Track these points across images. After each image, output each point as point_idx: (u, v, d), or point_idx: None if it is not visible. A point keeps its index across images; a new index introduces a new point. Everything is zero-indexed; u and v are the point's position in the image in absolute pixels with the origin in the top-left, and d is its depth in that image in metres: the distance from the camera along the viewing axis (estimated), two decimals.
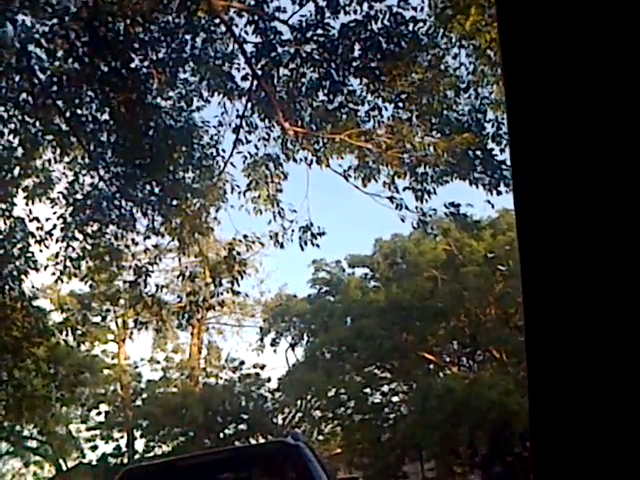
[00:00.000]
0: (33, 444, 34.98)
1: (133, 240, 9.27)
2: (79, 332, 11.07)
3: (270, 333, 38.36)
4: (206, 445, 34.52)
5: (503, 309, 34.82)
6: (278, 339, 38.40)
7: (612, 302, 1.22)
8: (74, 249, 9.04)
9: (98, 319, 38.86)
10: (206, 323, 39.94)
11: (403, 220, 9.09)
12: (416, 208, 8.97)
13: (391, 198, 9.00)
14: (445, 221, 9.90)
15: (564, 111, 1.41)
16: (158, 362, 39.39)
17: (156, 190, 8.77)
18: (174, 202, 8.70)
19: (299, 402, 38.67)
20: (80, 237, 9.01)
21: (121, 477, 7.17)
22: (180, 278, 9.69)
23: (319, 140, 9.25)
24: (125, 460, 36.09)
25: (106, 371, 38.10)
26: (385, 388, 39.83)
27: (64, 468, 35.05)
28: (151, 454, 36.38)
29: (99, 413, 36.88)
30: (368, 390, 38.62)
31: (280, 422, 39.26)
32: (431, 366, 37.69)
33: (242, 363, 38.98)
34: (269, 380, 38.83)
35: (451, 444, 31.76)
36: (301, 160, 9.28)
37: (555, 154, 1.41)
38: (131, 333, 39.45)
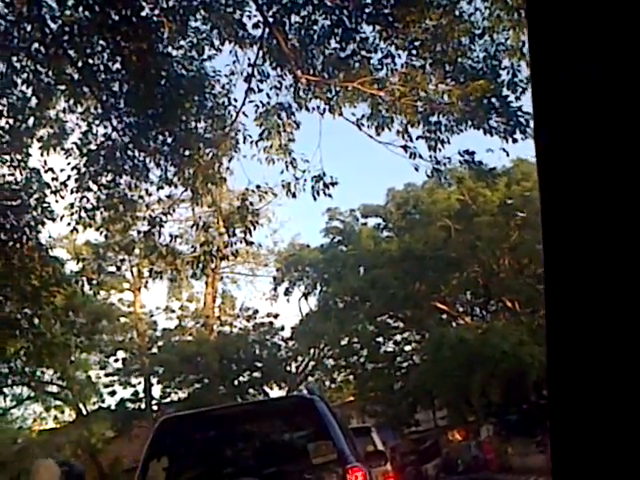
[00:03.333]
0: (54, 389, 35.61)
1: (147, 190, 9.31)
2: (95, 281, 11.17)
3: (283, 282, 38.62)
4: (221, 392, 35.05)
5: (517, 259, 34.80)
6: (291, 288, 38.69)
7: (634, 252, 1.23)
8: (88, 200, 9.08)
9: (114, 269, 39.25)
10: (220, 273, 40.18)
11: (417, 169, 9.03)
12: (430, 157, 8.91)
13: (405, 147, 8.92)
14: (460, 170, 9.78)
15: (588, 61, 1.39)
16: (173, 311, 39.86)
17: (169, 140, 8.75)
18: (187, 152, 8.68)
19: (312, 351, 39.11)
20: (94, 188, 9.06)
21: (161, 424, 7.84)
22: (194, 228, 9.72)
23: (331, 88, 9.14)
24: (142, 405, 36.82)
25: (123, 319, 38.59)
26: (398, 337, 40.17)
27: (84, 412, 35.84)
28: (167, 400, 37.07)
29: (117, 360, 37.50)
30: (381, 339, 38.98)
31: (293, 370, 39.73)
32: (444, 316, 37.89)
33: (256, 312, 39.34)
34: (282, 329, 39.25)
35: (463, 393, 32.09)
36: (313, 109, 9.20)
37: (578, 103, 1.39)
38: (146, 282, 39.93)
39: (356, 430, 13.09)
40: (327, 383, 39.29)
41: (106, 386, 36.90)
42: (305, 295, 39.48)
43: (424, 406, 39.75)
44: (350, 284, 35.31)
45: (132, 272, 39.35)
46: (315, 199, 8.91)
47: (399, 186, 38.47)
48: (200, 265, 9.11)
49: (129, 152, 8.87)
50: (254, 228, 9.11)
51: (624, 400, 1.16)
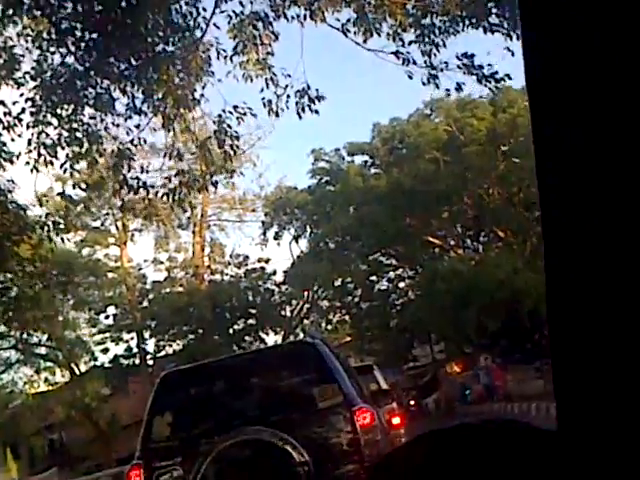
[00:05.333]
0: (42, 350, 35.21)
1: (113, 122, 8.40)
2: (61, 225, 10.22)
3: (272, 227, 38.08)
4: (216, 341, 34.69)
5: (506, 188, 34.31)
6: (281, 232, 38.18)
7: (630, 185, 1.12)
8: (48, 135, 8.18)
9: (98, 223, 38.57)
10: (207, 221, 39.50)
11: (411, 77, 8.11)
12: (425, 62, 7.99)
13: (396, 53, 8.01)
14: (458, 75, 8.72)
15: None
16: (161, 262, 39.25)
17: (133, 63, 7.82)
18: (154, 75, 7.76)
19: (306, 293, 38.72)
20: (54, 122, 8.14)
21: (162, 379, 7.73)
22: (167, 158, 8.80)
23: None
24: (137, 361, 36.50)
25: (110, 274, 37.99)
26: (391, 274, 39.94)
27: (78, 372, 35.45)
28: (162, 353, 36.77)
29: (107, 316, 37.03)
30: (374, 277, 38.70)
31: (288, 314, 39.43)
32: (436, 250, 37.53)
33: (246, 258, 38.79)
34: (274, 273, 38.78)
35: (459, 325, 31.88)
36: (293, 18, 8.24)
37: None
38: (132, 235, 39.33)
39: (358, 369, 12.71)
40: (323, 325, 39.03)
41: (98, 344, 36.55)
42: (295, 238, 38.98)
43: (421, 341, 39.79)
44: (340, 224, 34.76)
45: (117, 226, 38.67)
46: (300, 117, 8.03)
47: (384, 121, 37.64)
48: (176, 197, 8.26)
49: (90, 80, 7.93)
50: (234, 154, 8.25)
51: (626, 324, 1.09)
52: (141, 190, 8.24)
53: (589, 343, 1.12)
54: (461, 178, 33.02)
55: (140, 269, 39.41)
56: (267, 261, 38.64)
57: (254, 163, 37.20)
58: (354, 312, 38.33)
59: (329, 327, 39.55)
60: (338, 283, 37.29)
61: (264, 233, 37.96)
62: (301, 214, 37.93)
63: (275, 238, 38.00)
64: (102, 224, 39.21)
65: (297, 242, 39.18)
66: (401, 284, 40.07)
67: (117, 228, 38.93)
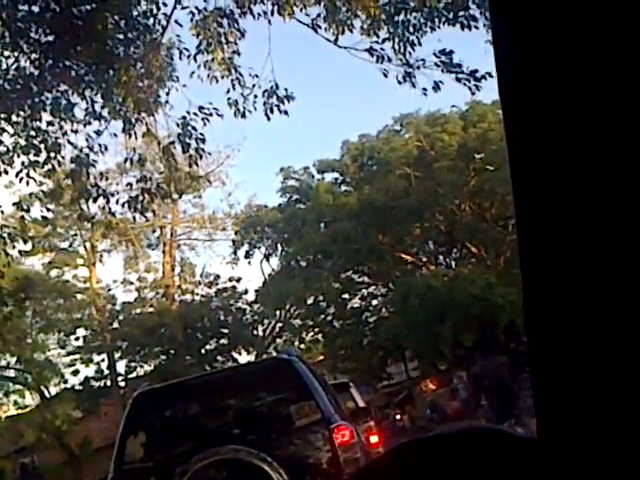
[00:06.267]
0: (11, 373, 34.46)
1: (72, 129, 7.95)
2: (21, 239, 9.68)
3: (243, 245, 37.63)
4: (188, 362, 34.10)
5: (478, 203, 34.31)
6: (252, 251, 37.73)
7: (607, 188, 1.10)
8: (2, 142, 7.73)
9: (66, 244, 37.95)
10: (177, 240, 39.00)
11: (386, 75, 7.76)
12: (401, 60, 7.62)
13: (370, 50, 7.65)
14: (435, 73, 8.30)
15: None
16: (131, 283, 38.59)
17: (91, 68, 7.39)
18: (114, 78, 7.33)
19: (278, 312, 38.24)
20: (9, 129, 7.69)
21: (135, 398, 7.54)
22: (128, 163, 8.32)
23: None
24: (108, 382, 35.78)
25: (80, 296, 37.26)
26: (364, 292, 39.56)
27: (48, 395, 34.66)
28: (133, 375, 36.11)
29: (77, 338, 36.36)
30: (347, 295, 38.27)
31: (260, 334, 38.91)
32: (409, 266, 37.30)
33: (217, 277, 38.33)
34: (246, 292, 38.34)
35: (434, 342, 31.61)
36: (259, 15, 7.87)
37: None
38: (101, 256, 38.58)
39: (334, 386, 12.28)
40: (296, 344, 38.53)
41: (68, 366, 35.85)
42: (266, 256, 38.52)
43: (395, 359, 39.40)
44: (312, 241, 34.41)
45: (85, 247, 38.00)
46: (269, 118, 7.65)
47: (353, 138, 37.50)
48: (139, 206, 7.79)
49: (47, 84, 7.50)
50: (200, 157, 7.83)
51: (606, 333, 1.08)
52: (101, 199, 7.80)
53: (568, 351, 1.07)
54: (433, 194, 32.93)
55: (109, 290, 38.83)
56: (238, 280, 38.26)
57: (223, 182, 36.96)
58: (327, 330, 37.88)
59: (302, 346, 38.99)
60: (310, 301, 36.85)
61: (235, 252, 37.56)
62: (272, 232, 37.55)
63: (246, 257, 37.59)
64: (70, 245, 38.65)
65: (268, 260, 38.78)
66: (374, 301, 39.78)
67: (86, 249, 38.31)
